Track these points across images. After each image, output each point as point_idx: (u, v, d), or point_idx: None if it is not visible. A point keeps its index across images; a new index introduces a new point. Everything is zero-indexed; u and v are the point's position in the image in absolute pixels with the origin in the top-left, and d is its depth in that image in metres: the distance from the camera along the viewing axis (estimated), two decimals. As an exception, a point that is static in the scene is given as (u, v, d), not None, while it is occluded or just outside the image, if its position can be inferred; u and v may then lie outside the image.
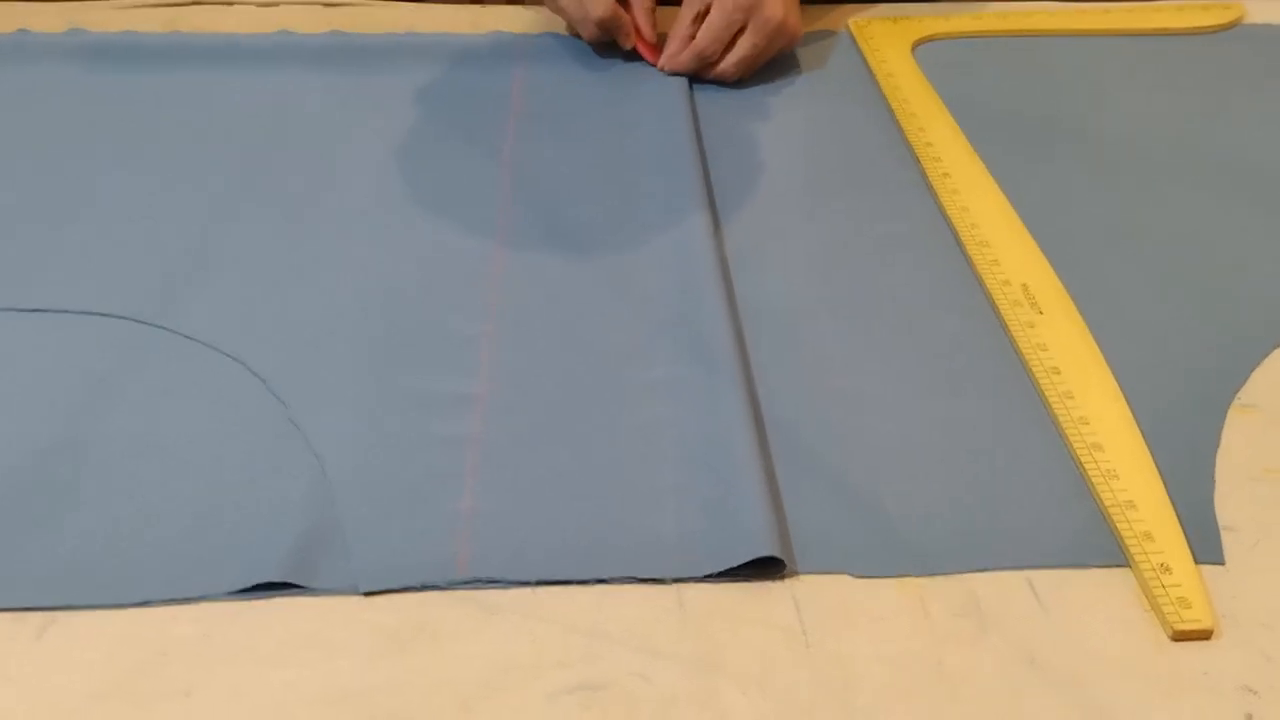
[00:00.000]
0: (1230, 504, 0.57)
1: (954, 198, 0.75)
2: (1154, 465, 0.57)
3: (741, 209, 0.75)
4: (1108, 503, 0.56)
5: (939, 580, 0.53)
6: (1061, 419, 0.60)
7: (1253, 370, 0.64)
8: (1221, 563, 0.54)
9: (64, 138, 0.80)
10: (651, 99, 0.85)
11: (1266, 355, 0.65)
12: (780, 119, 0.84)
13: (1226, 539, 0.55)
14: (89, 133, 0.80)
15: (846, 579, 0.53)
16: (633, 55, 0.89)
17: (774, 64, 0.89)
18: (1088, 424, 0.59)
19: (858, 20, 0.94)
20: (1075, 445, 0.59)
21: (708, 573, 0.53)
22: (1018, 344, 0.65)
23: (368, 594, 0.52)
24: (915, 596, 0.52)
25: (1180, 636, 0.50)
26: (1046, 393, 0.61)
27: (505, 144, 0.80)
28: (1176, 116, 0.85)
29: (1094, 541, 0.55)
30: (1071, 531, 0.55)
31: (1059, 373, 0.62)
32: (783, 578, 0.53)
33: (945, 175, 0.77)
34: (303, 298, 0.67)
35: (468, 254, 0.70)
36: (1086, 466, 0.57)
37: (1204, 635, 0.50)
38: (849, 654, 0.50)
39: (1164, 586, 0.52)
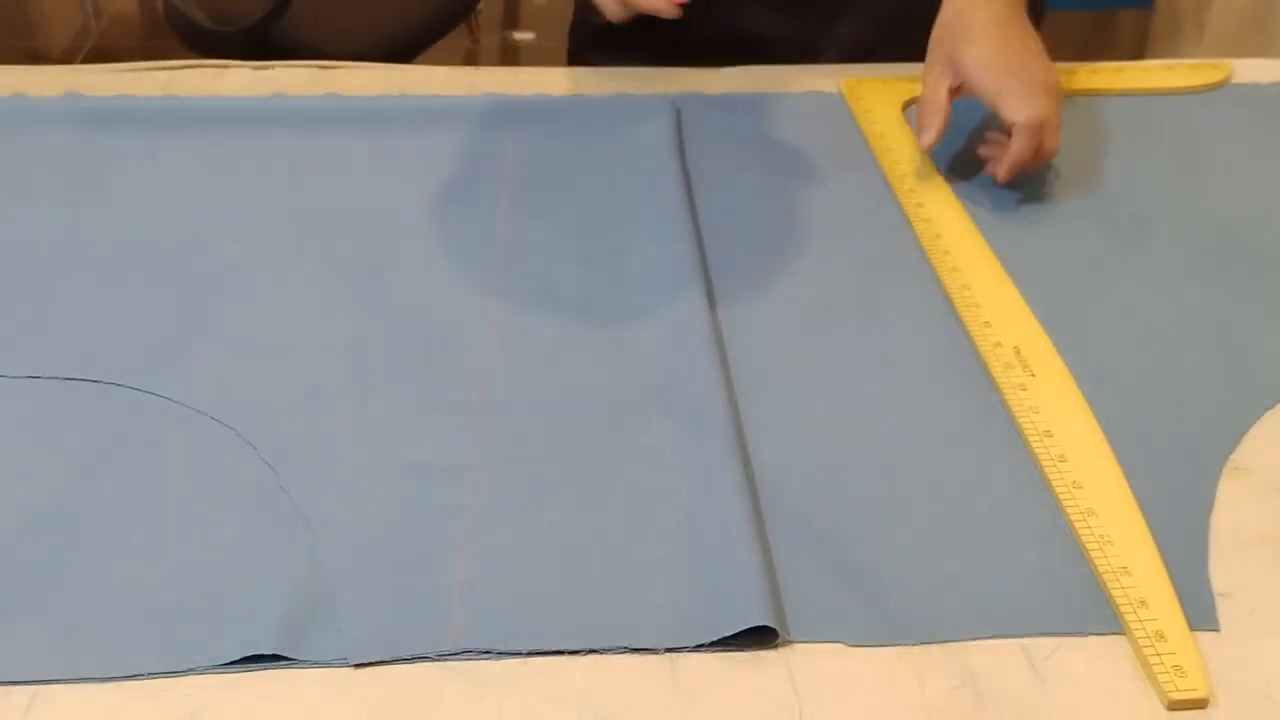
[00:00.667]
0: (1225, 569, 0.56)
1: (945, 259, 0.75)
2: (1148, 530, 0.57)
3: (734, 272, 0.75)
4: (1102, 569, 0.55)
5: (935, 650, 0.53)
6: (1055, 483, 0.60)
7: (1245, 434, 0.64)
8: (1217, 629, 0.54)
9: (58, 202, 0.80)
10: (644, 161, 0.85)
11: (1259, 419, 0.65)
12: (772, 180, 0.84)
13: (1222, 605, 0.55)
14: (82, 197, 0.81)
15: (841, 648, 0.53)
16: (627, 115, 0.90)
17: (766, 124, 0.90)
18: (1081, 488, 0.59)
19: (849, 80, 0.95)
20: (1069, 510, 0.58)
21: (701, 642, 0.52)
22: (1010, 407, 0.65)
23: (359, 666, 0.51)
24: (911, 667, 0.52)
25: (1176, 706, 0.50)
26: (1039, 457, 0.61)
27: (498, 207, 0.80)
28: (1167, 176, 0.85)
29: (1090, 609, 0.54)
30: (1067, 598, 0.55)
31: (1051, 436, 0.62)
32: (776, 647, 0.53)
33: (936, 236, 0.77)
34: (294, 365, 0.67)
35: (460, 320, 0.70)
36: (1080, 532, 0.57)
37: (1200, 704, 0.50)
38: (844, 726, 0.50)
39: (1159, 655, 0.52)
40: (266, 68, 0.95)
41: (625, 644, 0.52)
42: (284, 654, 0.51)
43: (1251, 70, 0.98)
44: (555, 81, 0.95)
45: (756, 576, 0.54)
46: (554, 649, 0.52)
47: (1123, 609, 0.54)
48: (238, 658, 0.51)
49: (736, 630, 0.52)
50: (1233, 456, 0.63)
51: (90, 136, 0.87)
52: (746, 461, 0.61)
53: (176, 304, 0.71)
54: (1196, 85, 0.95)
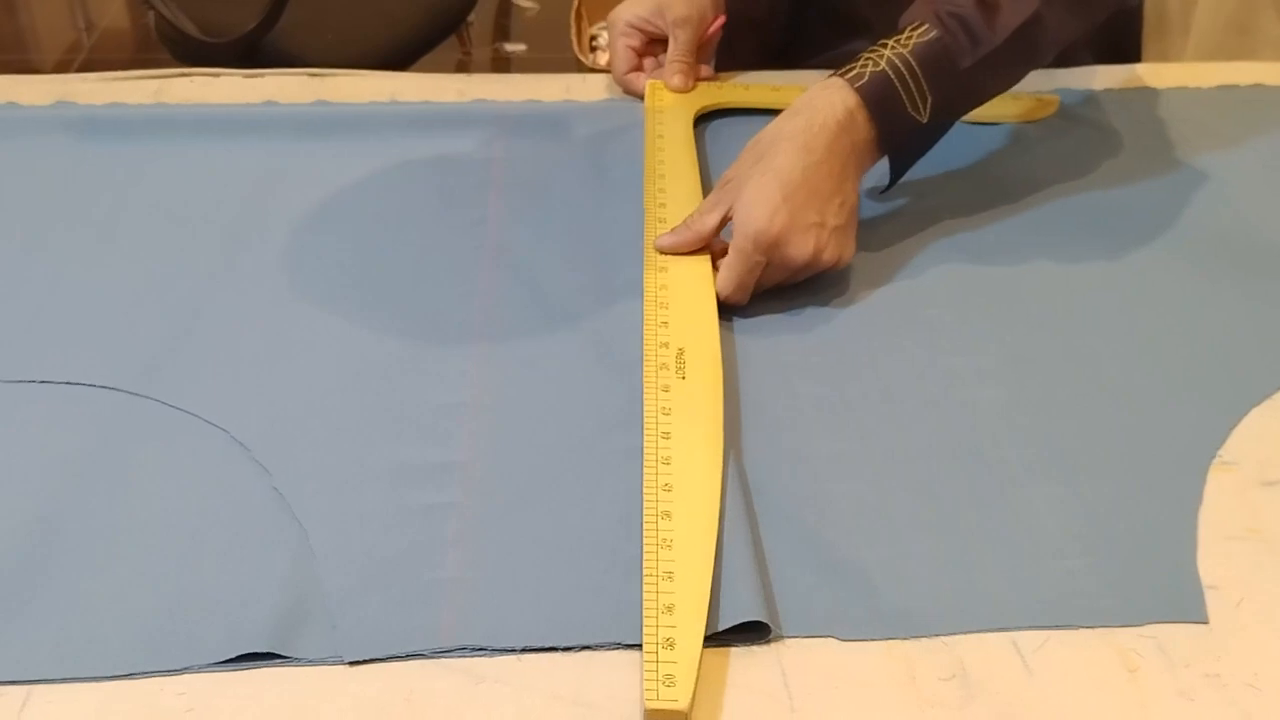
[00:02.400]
0: (1213, 562, 0.57)
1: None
2: (712, 543, 0.55)
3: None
4: (648, 571, 0.54)
5: (925, 643, 0.53)
6: (647, 483, 0.58)
7: (1233, 429, 0.64)
8: (1205, 621, 0.54)
9: (50, 209, 0.80)
10: (634, 166, 0.85)
11: (1246, 414, 0.65)
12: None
13: (1210, 598, 0.55)
14: (75, 205, 0.81)
15: (832, 643, 0.53)
16: (617, 120, 0.90)
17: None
18: (669, 491, 0.58)
19: (653, 82, 0.94)
20: (647, 510, 0.57)
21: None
22: (645, 405, 0.63)
23: (353, 663, 0.51)
24: (902, 661, 0.52)
25: (653, 716, 0.49)
26: (647, 456, 0.60)
27: (487, 213, 0.81)
28: (1149, 176, 0.86)
29: (1076, 601, 0.55)
30: (1056, 590, 0.55)
31: (668, 438, 0.61)
32: (768, 642, 0.53)
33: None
34: (286, 367, 0.67)
35: (449, 322, 0.71)
36: (647, 532, 0.56)
37: (678, 717, 0.49)
38: None
39: (657, 661, 0.50)
40: (257, 75, 0.96)
41: (617, 640, 0.52)
42: (278, 652, 0.51)
43: (1233, 73, 0.99)
44: (546, 88, 0.95)
45: (748, 572, 0.54)
46: (546, 645, 0.52)
47: (647, 610, 0.52)
48: (232, 656, 0.51)
49: (728, 625, 0.52)
50: (1220, 451, 0.63)
51: (82, 144, 0.87)
52: (737, 459, 0.61)
53: (169, 308, 0.71)
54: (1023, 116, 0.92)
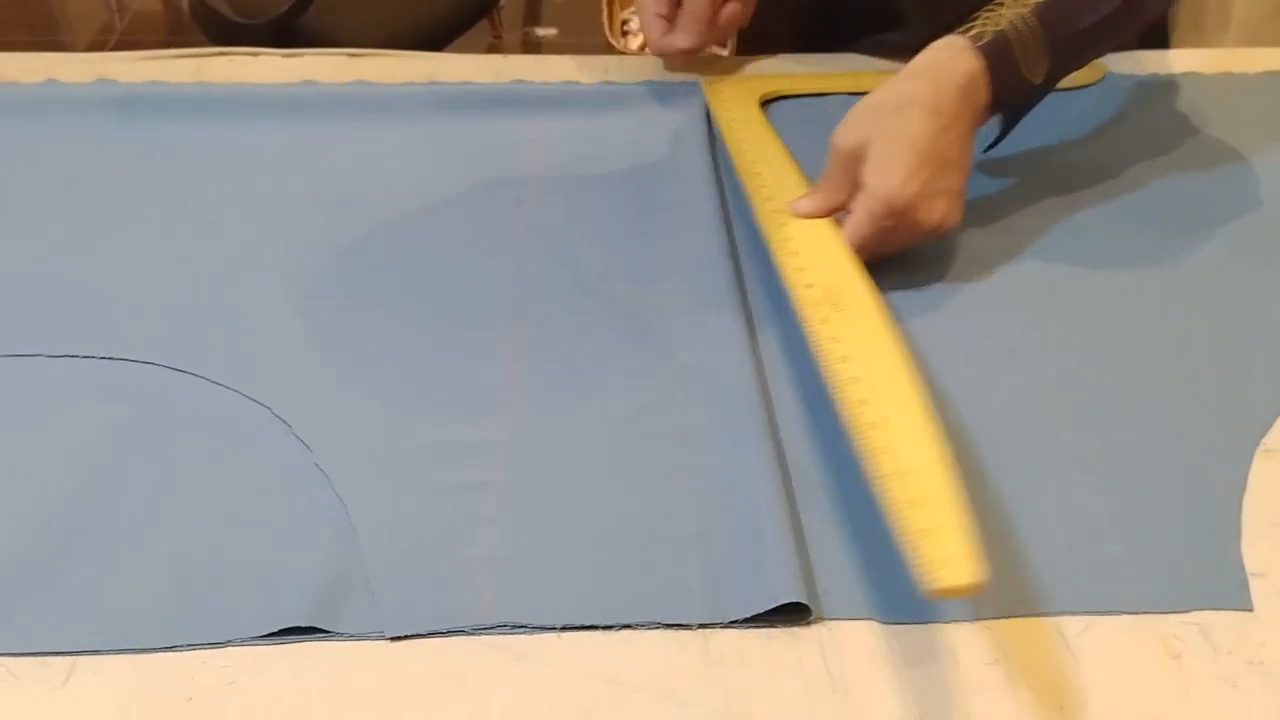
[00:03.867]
0: (1257, 550, 0.56)
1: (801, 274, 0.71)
2: (942, 463, 0.55)
3: (762, 254, 0.75)
4: (878, 474, 0.54)
5: (968, 627, 0.53)
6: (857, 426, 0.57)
7: (1278, 416, 0.64)
8: (1250, 609, 0.54)
9: (90, 186, 0.81)
10: (672, 147, 0.85)
11: (1291, 401, 0.65)
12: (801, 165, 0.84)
13: (1254, 585, 0.55)
14: (115, 181, 0.81)
15: (875, 625, 0.53)
16: (655, 102, 0.90)
17: (795, 111, 0.90)
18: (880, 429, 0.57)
19: (708, 79, 0.93)
20: (870, 460, 0.56)
21: (733, 619, 0.52)
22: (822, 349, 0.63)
23: (393, 639, 0.52)
24: (945, 644, 0.52)
25: (941, 594, 0.49)
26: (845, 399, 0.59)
27: (525, 193, 0.81)
28: (1193, 164, 0.85)
29: (1119, 587, 0.54)
30: (1099, 576, 0.55)
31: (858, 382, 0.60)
32: (809, 624, 0.53)
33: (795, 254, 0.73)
34: (326, 344, 0.67)
35: (487, 302, 0.71)
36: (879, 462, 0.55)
37: (971, 590, 0.49)
38: (877, 704, 0.50)
39: (920, 550, 0.50)
40: (296, 55, 0.96)
41: (658, 619, 0.52)
42: (319, 627, 0.52)
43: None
44: (585, 70, 0.95)
45: (789, 553, 0.54)
46: (587, 624, 0.52)
47: (894, 513, 0.52)
48: (273, 630, 0.52)
49: (769, 607, 0.52)
50: (1265, 439, 0.62)
51: (121, 122, 0.87)
52: (777, 439, 0.61)
53: (209, 285, 0.72)
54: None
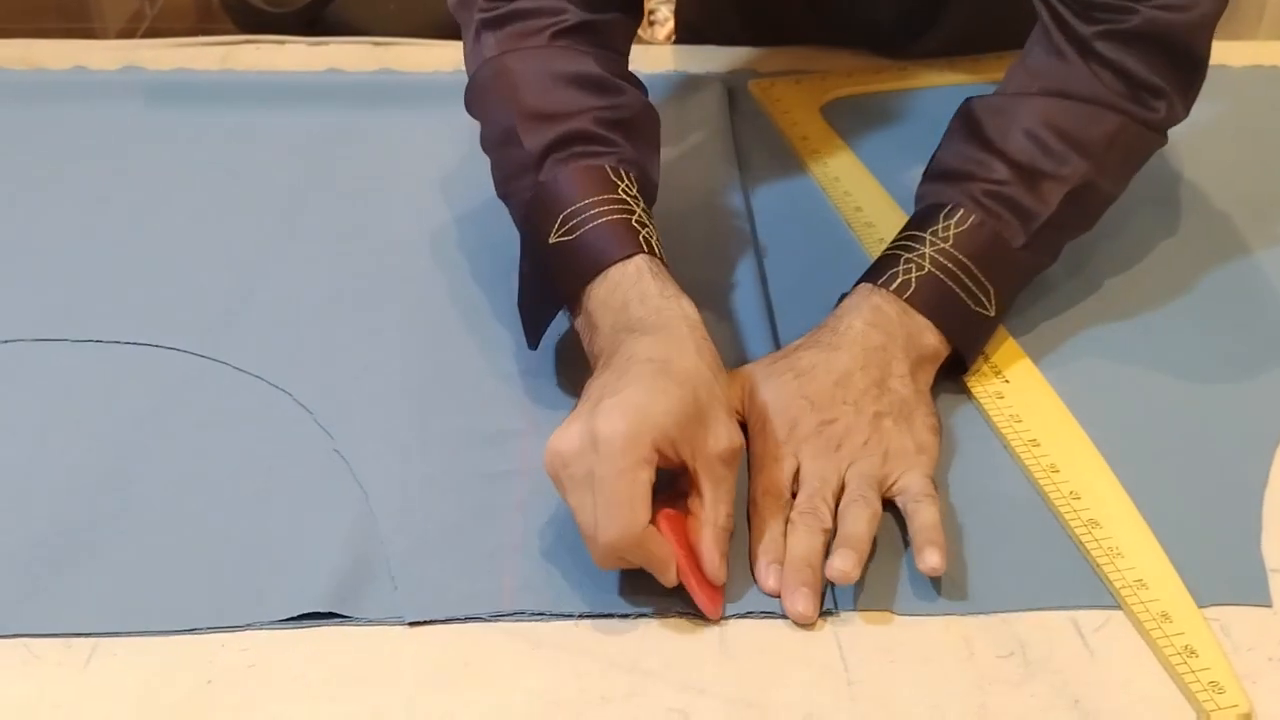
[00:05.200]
0: (1278, 546, 0.56)
1: None
2: (1154, 539, 0.55)
3: (782, 245, 0.75)
4: (1117, 584, 0.53)
5: (983, 620, 0.53)
6: (1050, 495, 0.58)
7: (1300, 414, 0.63)
8: (1270, 605, 0.53)
9: (118, 173, 0.81)
10: (694, 138, 0.85)
11: (1314, 398, 0.64)
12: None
13: (1275, 581, 0.54)
14: (142, 168, 0.82)
15: (889, 617, 0.53)
16: (677, 93, 0.90)
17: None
18: (1079, 499, 0.57)
19: (759, 83, 0.92)
20: (1070, 524, 0.56)
21: (750, 610, 0.53)
22: (989, 416, 0.62)
23: (412, 624, 0.52)
24: (959, 637, 0.52)
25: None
26: (1030, 468, 0.59)
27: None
28: (1212, 156, 0.84)
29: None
30: (1117, 573, 0.55)
31: (1039, 445, 0.60)
32: (824, 615, 0.53)
33: (880, 240, 0.72)
34: (349, 332, 0.68)
35: (511, 291, 0.71)
36: (1087, 545, 0.55)
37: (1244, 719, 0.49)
38: (891, 695, 0.50)
39: (1193, 671, 0.50)
40: (322, 43, 0.96)
41: (675, 609, 0.53)
42: (339, 612, 0.52)
43: None
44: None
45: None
46: (605, 612, 0.52)
47: (1145, 625, 0.52)
48: (294, 615, 0.52)
49: (785, 598, 0.52)
50: (1287, 434, 0.62)
51: (148, 109, 0.88)
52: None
53: (233, 272, 0.72)
54: None
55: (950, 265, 0.63)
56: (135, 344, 0.67)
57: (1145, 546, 0.55)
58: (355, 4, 1.70)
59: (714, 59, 0.96)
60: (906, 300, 0.62)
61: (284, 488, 0.58)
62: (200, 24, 2.59)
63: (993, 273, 0.64)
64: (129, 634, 0.51)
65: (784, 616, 0.52)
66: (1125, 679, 0.50)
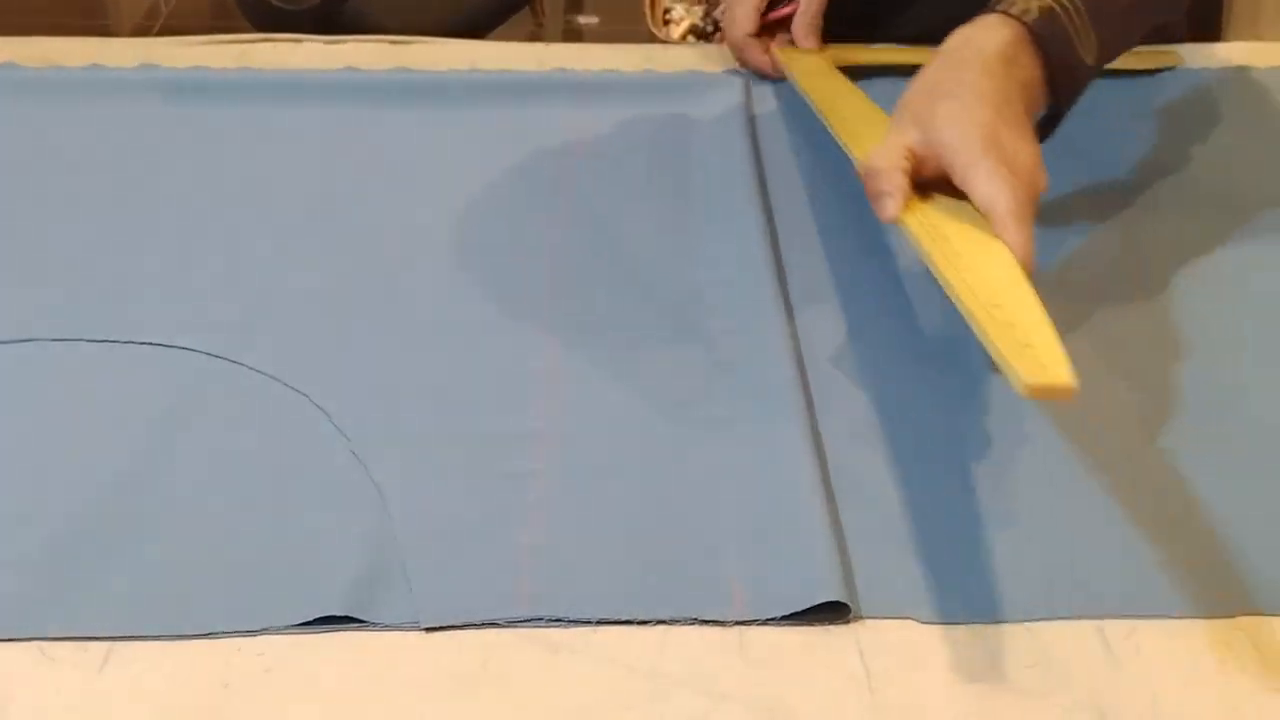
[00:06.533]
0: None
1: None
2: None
3: (804, 246, 0.75)
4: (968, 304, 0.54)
5: (1007, 629, 0.52)
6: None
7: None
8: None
9: (135, 172, 0.81)
10: (714, 137, 0.85)
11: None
12: (843, 155, 0.83)
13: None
14: (160, 167, 0.81)
15: (912, 625, 0.52)
16: (697, 91, 0.90)
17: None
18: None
19: (784, 51, 0.92)
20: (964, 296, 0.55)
21: (771, 616, 0.52)
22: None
23: (429, 629, 0.51)
24: (983, 646, 0.51)
25: (1037, 392, 0.49)
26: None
27: (565, 181, 0.80)
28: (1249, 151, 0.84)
29: (1166, 591, 0.53)
30: (1146, 579, 0.54)
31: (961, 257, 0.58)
32: (847, 622, 0.52)
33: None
34: (366, 334, 0.67)
35: (528, 291, 0.71)
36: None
37: (1065, 393, 0.49)
38: (914, 704, 0.49)
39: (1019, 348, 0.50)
40: (338, 42, 0.96)
41: (695, 615, 0.52)
42: (355, 616, 0.52)
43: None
44: (626, 58, 0.95)
45: (827, 551, 0.54)
46: (623, 618, 0.52)
47: (989, 333, 0.52)
48: (310, 619, 0.51)
49: (808, 605, 0.52)
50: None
51: (164, 107, 0.87)
52: (817, 437, 0.60)
53: (249, 273, 0.72)
54: (1143, 68, 0.91)
55: (1068, 3, 0.66)
56: (151, 344, 0.66)
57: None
58: (370, 2, 1.70)
59: (731, 56, 0.95)
60: (1026, 24, 0.65)
61: (301, 490, 0.58)
62: (215, 21, 2.59)
63: (1097, 22, 0.67)
64: (145, 637, 0.51)
65: (806, 624, 0.52)
66: (1151, 690, 0.50)
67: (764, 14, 0.93)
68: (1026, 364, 0.49)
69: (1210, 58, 0.95)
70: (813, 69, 0.88)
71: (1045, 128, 0.69)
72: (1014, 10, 0.66)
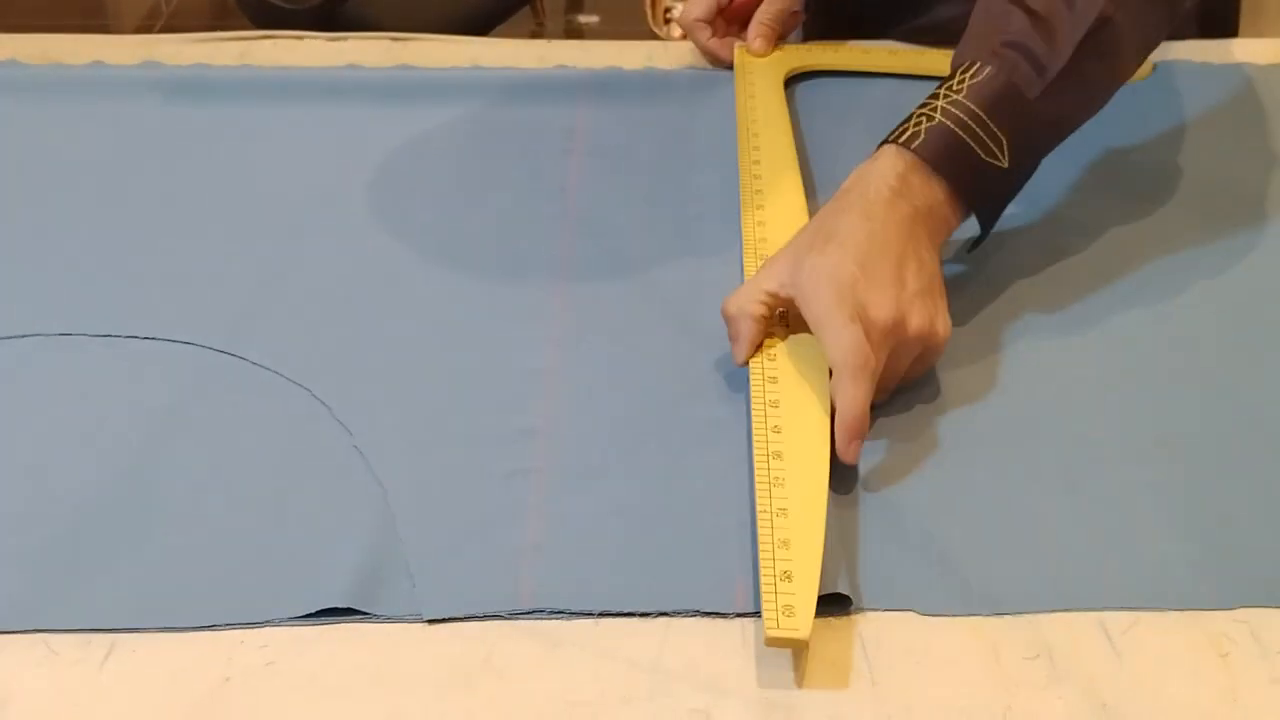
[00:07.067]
0: (1308, 549, 0.55)
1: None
2: (824, 512, 0.54)
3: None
4: (761, 507, 0.54)
5: (1009, 621, 0.52)
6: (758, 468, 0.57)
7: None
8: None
9: (136, 168, 0.81)
10: (715, 134, 0.85)
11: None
12: (832, 150, 0.83)
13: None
14: (161, 164, 0.82)
15: (914, 617, 0.52)
16: (698, 89, 0.90)
17: (838, 97, 0.89)
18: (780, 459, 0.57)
19: (740, 45, 0.93)
20: (759, 486, 0.56)
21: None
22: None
23: (431, 622, 0.52)
24: (985, 638, 0.51)
25: (773, 643, 0.49)
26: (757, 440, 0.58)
27: (568, 179, 0.80)
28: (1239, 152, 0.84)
29: (1167, 583, 0.53)
30: (1147, 572, 0.54)
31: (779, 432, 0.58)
32: (849, 614, 0.52)
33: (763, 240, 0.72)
34: (367, 328, 0.68)
35: (530, 288, 0.71)
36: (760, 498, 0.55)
37: (799, 645, 0.49)
38: (915, 697, 0.49)
39: (775, 593, 0.50)
40: (340, 39, 0.96)
41: (696, 608, 0.52)
42: (358, 608, 0.52)
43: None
44: (628, 55, 0.95)
45: (829, 544, 0.54)
46: (624, 611, 0.52)
47: (762, 546, 0.52)
48: (312, 611, 0.52)
49: (810, 597, 0.52)
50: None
51: (167, 105, 0.88)
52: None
53: (251, 268, 0.72)
54: None
55: (961, 115, 0.65)
56: (153, 339, 0.66)
57: (811, 512, 0.54)
58: (370, 3, 1.70)
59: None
60: (914, 151, 0.64)
61: (302, 484, 0.58)
62: (216, 21, 2.59)
63: (1005, 121, 0.65)
64: (147, 630, 0.51)
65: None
66: (1154, 681, 0.50)
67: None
68: (778, 616, 0.49)
69: (1214, 54, 0.95)
70: (756, 87, 0.87)
71: (984, 227, 0.68)
72: (904, 139, 0.65)
